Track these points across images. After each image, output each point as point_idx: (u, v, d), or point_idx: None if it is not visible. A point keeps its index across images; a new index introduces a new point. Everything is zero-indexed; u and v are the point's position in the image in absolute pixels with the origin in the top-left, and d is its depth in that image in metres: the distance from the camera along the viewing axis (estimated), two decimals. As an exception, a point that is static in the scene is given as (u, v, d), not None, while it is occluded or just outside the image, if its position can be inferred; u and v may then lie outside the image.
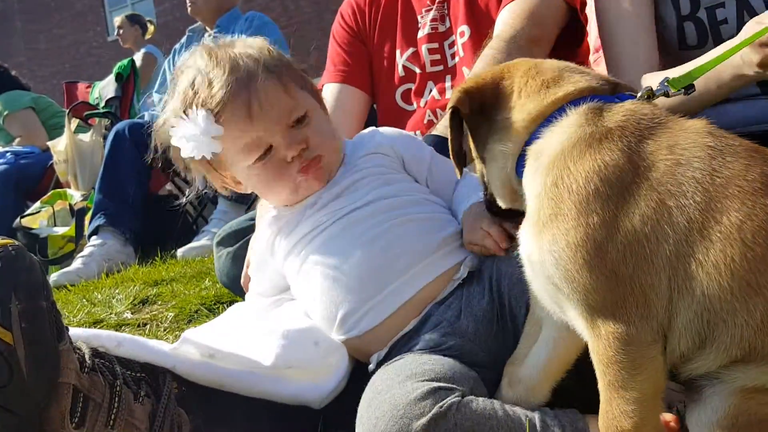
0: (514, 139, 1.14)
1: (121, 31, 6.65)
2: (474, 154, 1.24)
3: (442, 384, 1.15)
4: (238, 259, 2.00)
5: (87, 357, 1.14)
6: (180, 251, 3.63)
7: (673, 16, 1.94)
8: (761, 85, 1.87)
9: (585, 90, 1.13)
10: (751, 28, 1.49)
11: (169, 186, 4.49)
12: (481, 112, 1.18)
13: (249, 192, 1.57)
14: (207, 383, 1.24)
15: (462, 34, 2.20)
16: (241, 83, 1.38)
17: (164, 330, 2.36)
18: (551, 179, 1.04)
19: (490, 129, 1.17)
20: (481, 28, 2.13)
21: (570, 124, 1.08)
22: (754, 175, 0.97)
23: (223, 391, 1.26)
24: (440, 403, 1.10)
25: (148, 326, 2.43)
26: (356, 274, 1.35)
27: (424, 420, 1.09)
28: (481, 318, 1.29)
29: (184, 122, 1.37)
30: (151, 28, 6.72)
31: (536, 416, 1.13)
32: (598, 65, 2.55)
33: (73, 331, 1.19)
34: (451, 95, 1.19)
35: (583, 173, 1.01)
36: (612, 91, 1.16)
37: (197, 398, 1.24)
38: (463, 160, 1.23)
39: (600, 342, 0.98)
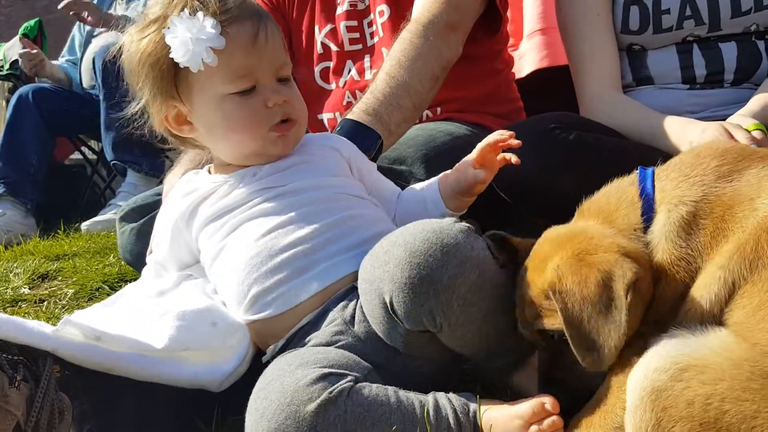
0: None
1: None
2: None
3: (333, 370, 1.12)
4: (142, 236, 1.92)
5: (-42, 339, 1.06)
6: (85, 225, 3.48)
7: None
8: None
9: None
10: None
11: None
12: None
13: (188, 137, 1.46)
14: (93, 367, 1.17)
15: (381, 13, 2.16)
16: (253, 11, 1.40)
17: (62, 308, 2.26)
18: None
19: None
20: (400, 9, 2.10)
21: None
22: None
23: (113, 375, 1.19)
24: (330, 389, 1.08)
25: (45, 303, 2.33)
26: (281, 253, 1.30)
27: (312, 405, 1.06)
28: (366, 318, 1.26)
29: (183, 24, 1.30)
30: None
31: (429, 400, 1.12)
32: (535, 49, 2.63)
33: (-55, 312, 1.10)
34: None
35: None
36: None
37: (83, 383, 1.17)
38: None
39: None
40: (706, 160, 1.15)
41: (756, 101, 1.81)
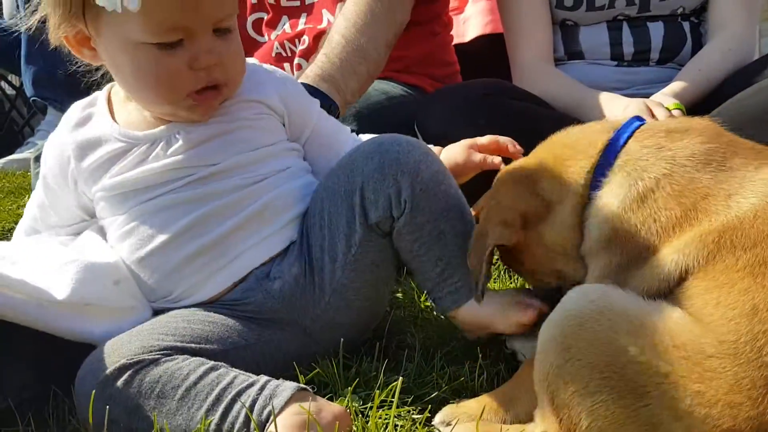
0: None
1: None
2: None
3: (153, 355, 1.09)
4: (57, 178, 1.84)
5: None
6: (0, 162, 3.33)
7: None
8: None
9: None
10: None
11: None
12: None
13: (89, 63, 1.26)
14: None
15: None
16: None
17: (-30, 248, 2.15)
18: None
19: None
20: (341, -29, 2.03)
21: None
22: None
23: (8, 323, 1.12)
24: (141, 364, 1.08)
25: (-47, 243, 2.22)
26: (198, 256, 1.22)
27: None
28: (287, 273, 1.25)
29: None
30: None
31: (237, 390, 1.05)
32: (480, 14, 2.61)
33: None
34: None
35: None
36: None
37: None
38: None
39: None
40: (694, 139, 1.09)
41: (678, 81, 1.87)
